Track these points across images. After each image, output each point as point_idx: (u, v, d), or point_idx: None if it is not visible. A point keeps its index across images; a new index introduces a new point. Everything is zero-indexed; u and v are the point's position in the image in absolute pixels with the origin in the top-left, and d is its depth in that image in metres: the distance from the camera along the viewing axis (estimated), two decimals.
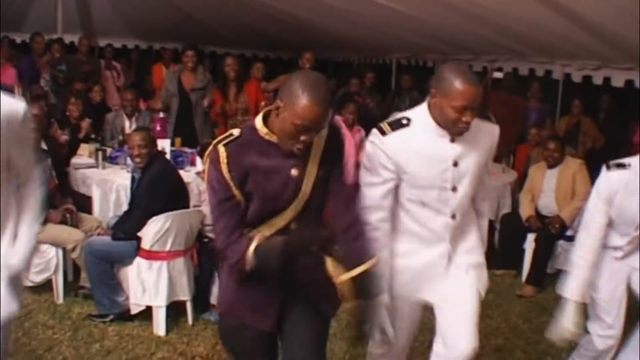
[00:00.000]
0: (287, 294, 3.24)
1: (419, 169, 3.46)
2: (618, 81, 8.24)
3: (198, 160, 6.88)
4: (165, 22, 13.25)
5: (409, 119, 3.46)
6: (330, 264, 3.10)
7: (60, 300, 6.04)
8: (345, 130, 7.54)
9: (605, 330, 4.49)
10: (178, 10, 12.56)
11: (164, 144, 7.15)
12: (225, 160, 2.97)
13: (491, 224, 7.64)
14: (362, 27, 10.25)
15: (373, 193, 3.49)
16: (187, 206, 5.84)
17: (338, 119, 7.75)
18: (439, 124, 3.39)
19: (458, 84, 3.22)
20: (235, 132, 3.08)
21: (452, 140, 3.43)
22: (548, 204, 7.31)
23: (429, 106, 3.41)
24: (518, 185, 8.17)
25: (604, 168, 4.20)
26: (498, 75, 10.80)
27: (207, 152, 3.07)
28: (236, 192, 3.00)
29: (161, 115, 8.14)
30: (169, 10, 12.60)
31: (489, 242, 7.26)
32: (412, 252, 3.67)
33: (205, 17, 12.79)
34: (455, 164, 3.48)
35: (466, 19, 7.66)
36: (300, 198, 3.08)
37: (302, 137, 2.89)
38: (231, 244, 3.01)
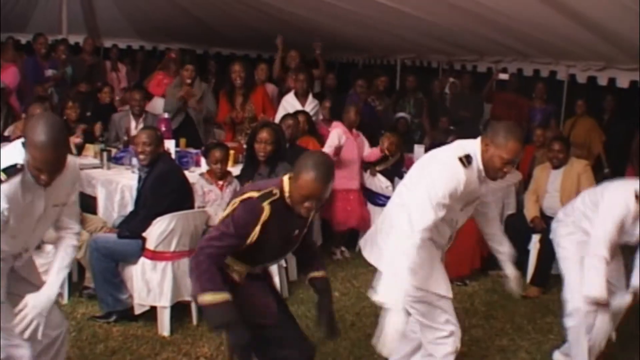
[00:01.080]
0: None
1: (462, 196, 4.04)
2: (623, 82, 8.24)
3: (203, 160, 6.87)
4: (170, 23, 13.26)
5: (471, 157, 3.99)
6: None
7: (65, 301, 6.04)
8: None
9: None
10: (183, 11, 12.56)
11: (168, 145, 7.14)
12: (265, 220, 3.54)
13: None
14: (366, 28, 10.25)
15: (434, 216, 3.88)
16: (192, 206, 5.84)
17: (338, 124, 7.73)
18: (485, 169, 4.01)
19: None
20: (276, 191, 3.59)
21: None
22: (553, 204, 7.29)
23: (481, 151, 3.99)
24: (523, 186, 8.16)
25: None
26: (503, 76, 10.81)
27: (245, 197, 3.59)
28: (253, 234, 3.56)
29: (166, 115, 8.13)
30: (174, 11, 12.60)
31: None
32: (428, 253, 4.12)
33: (210, 18, 12.79)
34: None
35: (471, 20, 7.67)
36: (289, 252, 4.00)
37: (307, 204, 3.56)
38: (211, 267, 3.51)
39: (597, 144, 9.73)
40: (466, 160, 3.92)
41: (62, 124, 3.39)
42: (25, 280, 3.78)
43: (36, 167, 3.26)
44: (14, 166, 3.29)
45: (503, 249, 4.58)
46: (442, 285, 4.20)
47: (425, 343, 4.32)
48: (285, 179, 3.64)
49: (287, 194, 3.59)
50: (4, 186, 3.25)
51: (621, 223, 4.59)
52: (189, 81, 8.46)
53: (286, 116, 7.53)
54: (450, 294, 4.21)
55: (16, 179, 3.30)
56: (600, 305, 4.62)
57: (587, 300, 4.62)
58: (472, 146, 4.00)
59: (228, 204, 3.72)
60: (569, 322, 5.00)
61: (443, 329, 4.20)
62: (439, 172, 3.93)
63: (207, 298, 3.45)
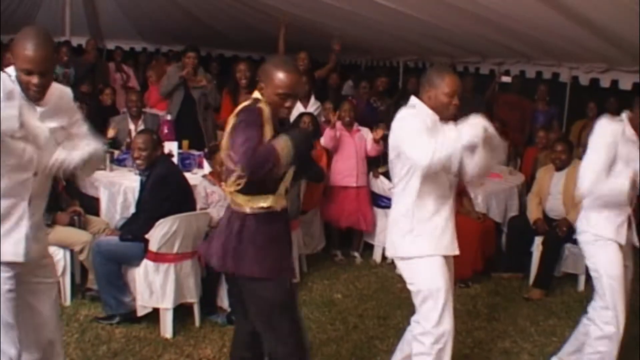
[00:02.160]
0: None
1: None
2: (625, 84, 8.23)
3: (205, 162, 6.88)
4: (173, 24, 13.29)
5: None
6: None
7: (68, 302, 6.04)
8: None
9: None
10: (186, 13, 12.59)
11: (171, 147, 7.15)
12: (268, 117, 3.54)
13: (498, 226, 7.65)
14: (369, 30, 10.26)
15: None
16: (193, 208, 5.84)
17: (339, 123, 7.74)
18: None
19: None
20: (258, 98, 3.65)
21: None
22: (555, 206, 7.29)
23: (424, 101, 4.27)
24: (525, 188, 8.16)
25: None
26: (506, 79, 10.80)
27: (238, 109, 3.60)
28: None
29: (168, 117, 8.13)
30: (176, 13, 12.63)
31: (496, 245, 7.31)
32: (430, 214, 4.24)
33: (213, 19, 12.82)
34: None
35: (474, 22, 7.67)
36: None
37: (287, 104, 3.64)
38: (257, 151, 3.38)
39: None
40: (410, 107, 4.28)
41: (48, 31, 3.49)
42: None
43: (26, 70, 3.31)
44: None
45: None
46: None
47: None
48: (256, 94, 3.70)
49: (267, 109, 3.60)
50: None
51: (610, 152, 4.55)
52: (191, 67, 8.44)
53: (302, 115, 7.57)
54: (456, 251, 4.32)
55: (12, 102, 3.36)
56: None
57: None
58: (412, 103, 4.34)
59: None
60: (601, 347, 4.73)
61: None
62: (399, 128, 4.18)
63: (281, 146, 3.45)
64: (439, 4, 7.23)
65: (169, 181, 5.72)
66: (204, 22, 13.03)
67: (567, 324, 6.12)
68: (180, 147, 7.53)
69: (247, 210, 3.70)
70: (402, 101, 10.34)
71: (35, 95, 3.40)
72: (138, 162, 5.72)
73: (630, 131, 4.63)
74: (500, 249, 7.39)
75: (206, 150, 7.04)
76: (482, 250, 7.08)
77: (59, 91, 3.67)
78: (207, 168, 6.71)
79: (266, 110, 3.54)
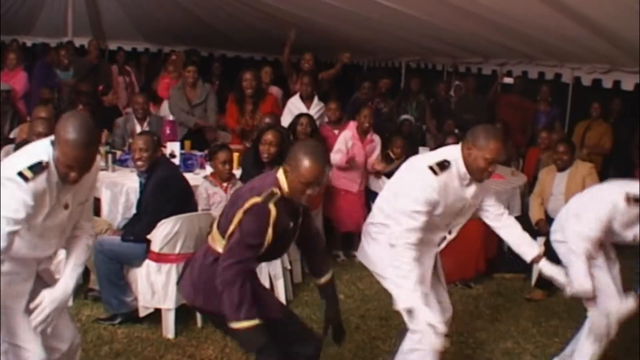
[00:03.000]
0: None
1: (450, 201, 4.23)
2: (628, 84, 8.23)
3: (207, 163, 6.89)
4: (175, 25, 13.30)
5: (449, 162, 4.14)
6: None
7: (70, 303, 6.02)
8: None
9: None
10: (188, 14, 12.59)
11: (173, 147, 7.15)
12: (274, 220, 3.59)
13: None
14: (371, 30, 10.26)
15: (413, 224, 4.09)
16: (195, 209, 5.85)
17: (352, 124, 7.75)
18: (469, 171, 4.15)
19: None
20: (276, 190, 3.65)
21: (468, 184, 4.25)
22: (558, 207, 7.24)
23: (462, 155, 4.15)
24: (528, 189, 8.15)
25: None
26: (508, 80, 10.80)
27: (248, 205, 3.61)
28: (267, 239, 3.63)
29: (170, 118, 8.13)
30: (178, 14, 12.64)
31: (498, 246, 7.31)
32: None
33: (214, 20, 12.82)
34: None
35: (476, 23, 7.67)
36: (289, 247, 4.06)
37: (309, 192, 3.64)
38: (243, 288, 3.55)
39: (606, 149, 9.65)
40: (438, 167, 4.09)
41: (92, 122, 3.37)
42: (46, 284, 3.76)
43: (67, 165, 3.27)
44: (39, 163, 3.28)
45: (530, 250, 4.57)
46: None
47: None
48: (280, 174, 3.72)
49: (285, 189, 3.66)
50: (30, 184, 3.23)
51: (607, 222, 4.62)
52: (191, 80, 8.51)
53: (300, 115, 7.58)
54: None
55: (42, 177, 3.28)
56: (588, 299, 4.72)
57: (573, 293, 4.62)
58: (452, 152, 4.19)
59: (229, 213, 3.76)
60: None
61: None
62: (412, 182, 4.17)
63: (243, 325, 3.54)
64: (441, 4, 7.23)
65: (171, 183, 5.72)
66: (206, 23, 13.03)
67: (569, 325, 6.12)
68: (182, 147, 7.53)
69: (221, 251, 3.77)
70: (403, 102, 10.42)
71: (72, 182, 3.39)
72: (139, 163, 5.72)
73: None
74: (502, 250, 7.38)
75: (207, 151, 7.04)
76: (485, 251, 7.08)
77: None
78: (209, 169, 6.71)
79: (274, 212, 3.59)
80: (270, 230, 3.60)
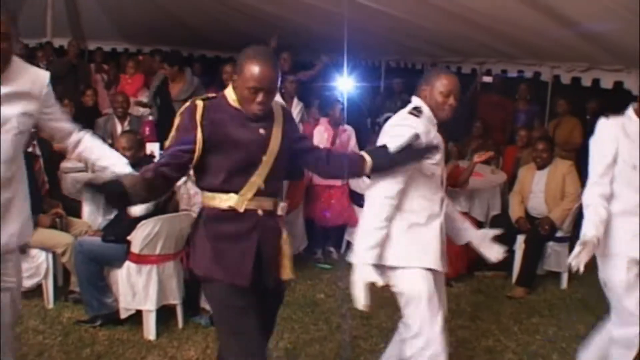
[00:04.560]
0: (255, 258, 3.54)
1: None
2: (607, 82, 8.27)
3: None
4: (155, 25, 13.25)
5: (418, 108, 4.11)
6: (284, 236, 3.72)
7: (51, 305, 6.02)
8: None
9: None
10: (168, 14, 12.56)
11: (153, 147, 7.12)
12: (201, 110, 3.44)
13: (481, 225, 7.67)
14: (351, 30, 10.25)
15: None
16: (176, 210, 5.83)
17: (323, 120, 7.79)
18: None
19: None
20: (211, 95, 3.61)
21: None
22: (537, 205, 7.32)
23: (423, 100, 4.14)
24: (507, 187, 8.19)
25: None
26: (487, 79, 10.84)
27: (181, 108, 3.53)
28: (198, 138, 3.39)
29: (150, 118, 8.12)
30: (158, 14, 12.60)
31: None
32: (419, 225, 4.05)
33: (194, 20, 12.80)
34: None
35: (455, 22, 7.68)
36: (269, 155, 3.53)
37: (258, 99, 3.43)
38: (146, 172, 3.35)
39: (577, 144, 9.66)
40: (416, 110, 4.08)
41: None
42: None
43: None
44: None
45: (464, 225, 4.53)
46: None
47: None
48: (228, 87, 3.60)
49: (232, 98, 3.53)
50: None
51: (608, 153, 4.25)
52: (170, 77, 8.48)
53: None
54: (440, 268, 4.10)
55: None
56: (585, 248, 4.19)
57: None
58: (415, 101, 4.17)
59: None
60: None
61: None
62: (399, 130, 3.98)
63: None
64: (420, 3, 7.24)
65: None
66: (186, 23, 13.02)
67: (550, 322, 6.16)
68: (162, 147, 7.50)
69: (205, 208, 3.59)
70: (388, 101, 10.45)
71: None
72: None
73: (635, 127, 4.24)
74: None
75: None
76: (465, 250, 7.10)
77: (33, 74, 3.58)
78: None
79: (200, 105, 3.44)
80: (199, 130, 3.37)
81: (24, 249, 5.72)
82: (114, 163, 4.10)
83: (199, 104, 3.45)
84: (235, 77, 3.50)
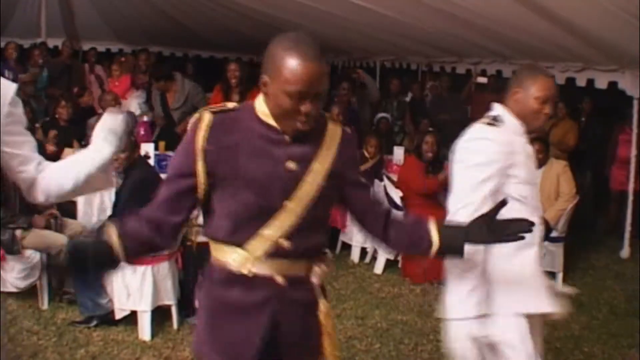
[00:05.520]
0: (266, 341, 2.59)
1: (522, 162, 3.30)
2: (601, 83, 8.27)
3: None
4: (150, 25, 13.24)
5: (499, 116, 3.37)
6: (323, 309, 2.78)
7: (45, 306, 6.01)
8: None
9: None
10: (162, 14, 12.54)
11: (148, 148, 7.12)
12: (206, 128, 2.49)
13: None
14: (346, 30, 10.26)
15: (479, 192, 3.13)
16: None
17: None
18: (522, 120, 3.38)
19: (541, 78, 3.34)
20: (230, 104, 2.62)
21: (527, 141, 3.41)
22: None
23: (509, 106, 3.39)
24: None
25: None
26: (482, 80, 10.82)
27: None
28: (200, 171, 2.51)
29: (145, 119, 8.11)
30: (153, 14, 12.59)
31: None
32: (507, 256, 3.24)
33: (189, 20, 12.78)
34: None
35: (450, 22, 7.69)
36: (297, 200, 2.51)
37: (303, 107, 2.39)
38: (128, 221, 2.69)
39: (570, 146, 9.68)
40: (494, 120, 3.34)
41: None
42: None
43: None
44: None
45: None
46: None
47: None
48: (259, 96, 2.55)
49: (262, 111, 2.51)
50: None
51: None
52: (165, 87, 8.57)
53: None
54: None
55: None
56: None
57: None
58: (497, 109, 3.43)
59: None
60: None
61: None
62: (464, 147, 3.29)
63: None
64: (415, 3, 7.24)
65: (149, 184, 5.68)
66: (181, 23, 12.99)
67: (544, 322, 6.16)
68: (156, 148, 7.51)
69: (212, 264, 2.68)
70: (384, 101, 10.45)
71: None
72: (115, 164, 5.69)
73: None
74: None
75: None
76: None
77: None
78: None
79: (207, 118, 2.50)
80: (201, 145, 2.47)
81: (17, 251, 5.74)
82: (92, 160, 2.95)
83: (205, 118, 2.50)
84: (265, 79, 2.42)
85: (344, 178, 2.64)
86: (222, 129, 2.49)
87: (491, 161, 3.18)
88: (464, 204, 3.06)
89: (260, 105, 2.51)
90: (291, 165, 2.49)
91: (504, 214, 2.69)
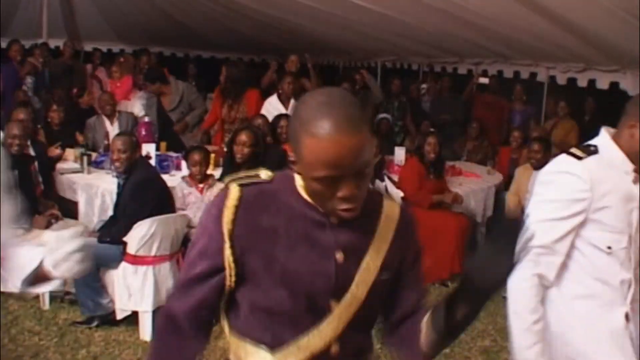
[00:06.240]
0: None
1: (614, 205, 2.73)
2: (603, 83, 8.27)
3: (183, 164, 6.86)
4: (151, 25, 13.23)
5: (595, 147, 2.86)
6: None
7: (47, 306, 6.00)
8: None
9: None
10: (164, 14, 12.53)
11: (149, 148, 7.12)
12: (233, 205, 1.93)
13: (476, 225, 7.68)
14: (347, 31, 10.26)
15: (554, 231, 2.72)
16: (172, 211, 5.83)
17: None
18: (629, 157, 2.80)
19: None
20: (264, 174, 2.02)
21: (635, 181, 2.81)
22: None
23: (619, 136, 2.84)
24: (503, 187, 8.19)
25: None
26: (484, 80, 10.83)
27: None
28: (227, 258, 1.95)
29: (146, 119, 8.11)
30: (154, 14, 12.57)
31: (474, 243, 7.35)
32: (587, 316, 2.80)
33: (191, 20, 12.77)
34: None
35: (451, 22, 7.69)
36: (348, 300, 1.98)
37: (341, 193, 1.82)
38: (162, 336, 2.16)
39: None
40: (581, 151, 2.83)
41: None
42: None
43: None
44: None
45: None
46: None
47: None
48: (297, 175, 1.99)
49: (300, 182, 1.97)
50: None
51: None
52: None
53: (280, 116, 7.58)
54: None
55: None
56: None
57: None
58: (601, 137, 2.92)
59: None
60: None
61: None
62: (543, 181, 2.91)
63: None
64: (416, 3, 7.24)
65: (150, 185, 5.71)
66: (182, 23, 12.98)
67: None
68: (157, 148, 7.51)
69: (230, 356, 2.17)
70: (385, 101, 10.45)
71: None
72: (117, 164, 5.70)
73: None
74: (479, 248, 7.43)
75: (184, 152, 7.02)
76: (460, 253, 7.08)
77: None
78: (185, 170, 6.69)
79: (234, 194, 1.94)
80: (227, 230, 1.91)
81: None
82: None
83: (233, 193, 1.95)
84: (293, 157, 1.91)
85: (399, 271, 2.10)
86: (255, 207, 1.95)
87: (572, 200, 2.71)
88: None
89: (300, 179, 1.97)
90: (339, 256, 1.95)
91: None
